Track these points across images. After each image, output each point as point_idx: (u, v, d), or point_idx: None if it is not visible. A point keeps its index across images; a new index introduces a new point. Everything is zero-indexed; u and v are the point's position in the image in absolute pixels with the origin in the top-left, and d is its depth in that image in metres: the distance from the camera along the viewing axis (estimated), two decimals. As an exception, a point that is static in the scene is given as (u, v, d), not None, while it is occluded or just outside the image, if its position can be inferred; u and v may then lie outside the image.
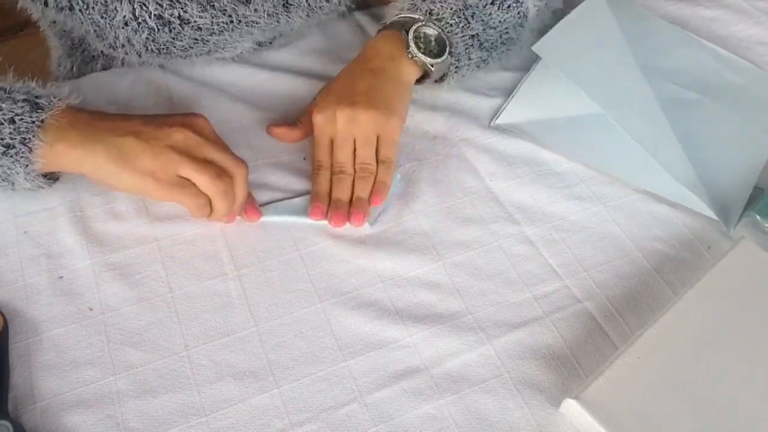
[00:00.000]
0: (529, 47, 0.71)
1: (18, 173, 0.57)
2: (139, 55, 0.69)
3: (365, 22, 0.83)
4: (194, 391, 0.54)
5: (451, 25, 0.68)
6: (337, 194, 0.64)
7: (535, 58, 0.78)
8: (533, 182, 0.69)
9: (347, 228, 0.64)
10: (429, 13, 0.68)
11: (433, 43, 0.68)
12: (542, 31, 0.73)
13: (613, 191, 0.69)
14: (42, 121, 0.56)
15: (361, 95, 0.64)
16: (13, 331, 0.56)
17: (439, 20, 0.68)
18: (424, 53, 0.67)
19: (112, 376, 0.54)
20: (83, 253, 0.61)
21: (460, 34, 0.68)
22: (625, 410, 0.51)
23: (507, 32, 0.72)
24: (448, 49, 0.68)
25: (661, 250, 0.64)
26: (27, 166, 0.57)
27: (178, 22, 0.66)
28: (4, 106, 0.56)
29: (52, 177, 0.61)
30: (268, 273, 0.61)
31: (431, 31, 0.68)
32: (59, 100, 0.58)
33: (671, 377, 0.53)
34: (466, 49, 0.69)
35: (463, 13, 0.68)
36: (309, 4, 0.73)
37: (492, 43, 0.71)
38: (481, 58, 0.72)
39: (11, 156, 0.56)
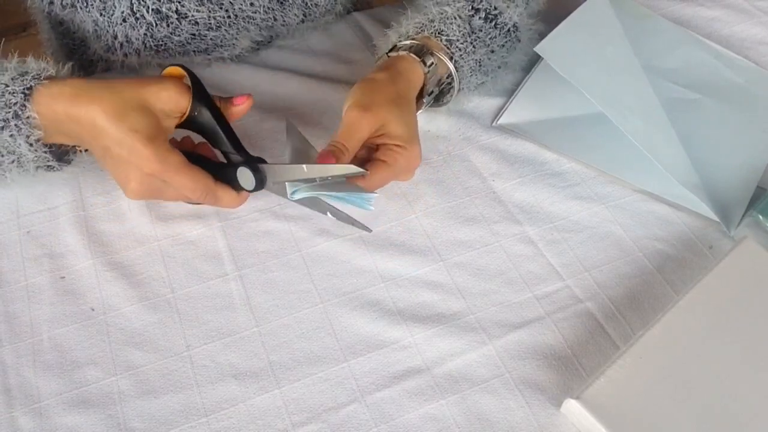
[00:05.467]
0: (531, 48, 0.71)
1: (20, 144, 0.55)
2: (138, 54, 0.70)
3: (365, 22, 0.83)
4: (195, 391, 0.54)
5: (461, 50, 0.67)
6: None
7: (537, 59, 0.78)
8: (535, 182, 0.69)
9: (348, 228, 0.64)
10: (439, 32, 0.66)
11: (441, 74, 0.67)
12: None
13: (614, 191, 0.69)
14: (30, 88, 0.54)
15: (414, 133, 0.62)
16: (15, 332, 0.56)
17: (450, 42, 0.66)
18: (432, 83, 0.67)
19: (113, 377, 0.54)
20: (85, 253, 0.61)
21: (467, 58, 0.67)
22: (626, 410, 0.51)
23: (504, 57, 0.72)
24: (457, 83, 0.68)
25: (662, 250, 0.64)
26: (28, 137, 0.55)
27: (176, 16, 0.67)
28: None
29: (61, 158, 0.60)
30: (269, 273, 0.61)
31: (442, 64, 0.66)
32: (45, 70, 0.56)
33: (673, 377, 0.53)
34: (471, 74, 0.69)
35: (470, 37, 0.67)
36: (304, 1, 0.73)
37: (491, 68, 0.71)
38: (480, 82, 0.71)
39: (10, 128, 0.54)
